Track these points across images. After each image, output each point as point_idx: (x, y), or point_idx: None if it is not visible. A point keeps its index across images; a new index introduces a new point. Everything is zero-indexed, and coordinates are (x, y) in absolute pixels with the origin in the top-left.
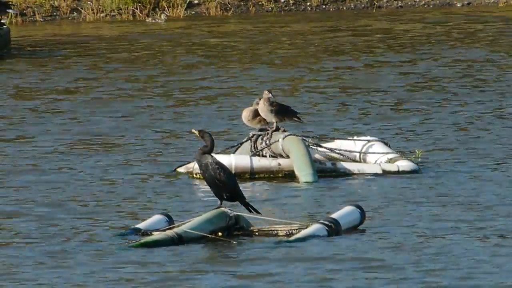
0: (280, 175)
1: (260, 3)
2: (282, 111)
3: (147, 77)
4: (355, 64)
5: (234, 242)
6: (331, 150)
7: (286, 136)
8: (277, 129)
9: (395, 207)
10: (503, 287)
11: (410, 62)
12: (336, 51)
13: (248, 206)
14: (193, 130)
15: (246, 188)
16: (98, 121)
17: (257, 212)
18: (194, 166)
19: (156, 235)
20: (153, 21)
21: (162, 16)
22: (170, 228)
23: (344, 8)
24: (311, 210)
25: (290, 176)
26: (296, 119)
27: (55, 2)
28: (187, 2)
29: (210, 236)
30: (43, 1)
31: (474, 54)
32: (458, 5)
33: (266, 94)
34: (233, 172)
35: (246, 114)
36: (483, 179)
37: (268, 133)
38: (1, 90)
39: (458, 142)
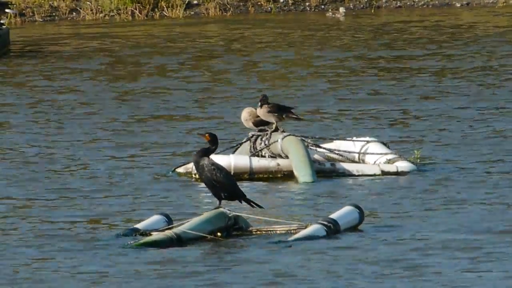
0: (279, 175)
1: (259, 3)
2: (280, 109)
3: (147, 76)
4: (354, 64)
5: (233, 243)
6: (330, 150)
7: (285, 137)
8: (276, 130)
9: (393, 208)
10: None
11: (408, 62)
12: (336, 50)
13: (250, 202)
14: (205, 135)
15: (245, 188)
16: (98, 120)
17: (260, 207)
18: (193, 167)
19: (155, 235)
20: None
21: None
22: (169, 228)
23: (344, 8)
24: (310, 210)
25: (289, 176)
26: (293, 115)
27: (54, 2)
28: (186, 3)
29: (209, 236)
30: (42, 1)
31: (473, 54)
32: (457, 5)
33: (260, 98)
34: (232, 172)
35: (244, 115)
36: (483, 179)
37: (267, 134)
38: (1, 90)
39: (457, 142)
